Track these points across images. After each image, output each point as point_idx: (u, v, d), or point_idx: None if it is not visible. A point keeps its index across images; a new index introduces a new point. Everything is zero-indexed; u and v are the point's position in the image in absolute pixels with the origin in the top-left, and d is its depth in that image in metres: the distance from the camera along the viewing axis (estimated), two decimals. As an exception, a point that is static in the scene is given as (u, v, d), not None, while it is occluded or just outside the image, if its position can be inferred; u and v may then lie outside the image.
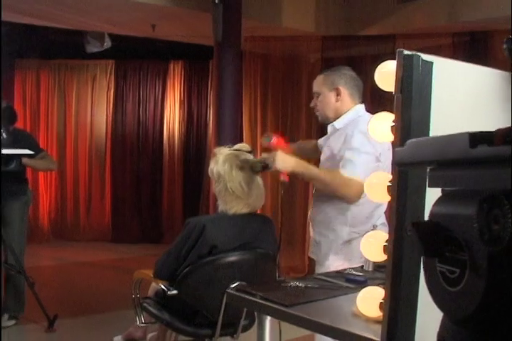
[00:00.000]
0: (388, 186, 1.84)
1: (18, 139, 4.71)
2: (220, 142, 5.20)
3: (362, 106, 3.13)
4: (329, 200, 3.03)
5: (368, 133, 2.81)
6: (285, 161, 2.90)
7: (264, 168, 3.01)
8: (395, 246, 1.73)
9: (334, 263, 3.02)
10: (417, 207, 1.73)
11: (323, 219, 3.08)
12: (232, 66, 5.62)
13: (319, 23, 6.38)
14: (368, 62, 5.97)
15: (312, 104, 3.21)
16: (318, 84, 3.16)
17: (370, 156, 2.88)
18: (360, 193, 2.74)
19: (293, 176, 2.99)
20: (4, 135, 4.58)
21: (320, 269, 3.11)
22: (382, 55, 5.76)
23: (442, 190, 1.00)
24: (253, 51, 6.83)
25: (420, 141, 1.03)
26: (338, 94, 3.09)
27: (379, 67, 1.95)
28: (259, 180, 3.16)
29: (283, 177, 2.98)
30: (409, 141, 1.04)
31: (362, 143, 2.91)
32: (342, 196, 2.90)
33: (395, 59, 1.82)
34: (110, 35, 7.34)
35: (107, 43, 7.40)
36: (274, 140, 3.15)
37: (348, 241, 3.01)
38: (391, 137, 1.80)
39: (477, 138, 0.86)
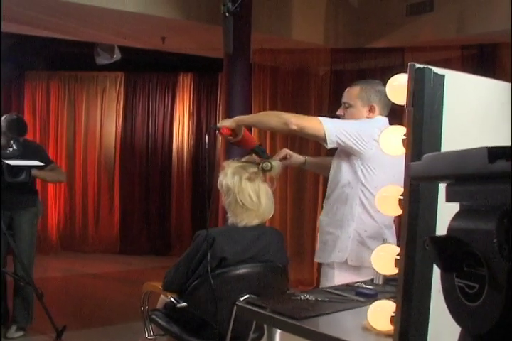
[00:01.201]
0: (400, 199, 1.84)
1: (28, 151, 4.73)
2: (228, 154, 5.20)
3: (383, 119, 3.10)
4: (339, 202, 3.05)
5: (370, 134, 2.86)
6: (224, 120, 3.13)
7: (273, 169, 3.11)
8: (407, 259, 1.73)
9: (337, 260, 3.02)
10: (428, 221, 1.73)
11: (332, 218, 3.10)
12: (242, 78, 5.63)
13: (328, 35, 6.40)
14: (377, 74, 5.97)
15: (339, 113, 3.17)
16: (353, 96, 3.12)
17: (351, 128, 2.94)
18: (300, 121, 2.92)
19: (238, 127, 3.06)
20: (14, 146, 4.60)
21: (325, 271, 3.11)
22: (391, 68, 5.81)
23: (460, 205, 1.00)
24: (262, 64, 6.85)
25: (437, 156, 1.03)
26: (371, 111, 3.08)
27: (390, 80, 1.95)
28: (268, 190, 3.17)
29: (224, 133, 3.07)
30: (425, 156, 1.04)
31: (358, 124, 2.97)
32: (283, 121, 2.93)
33: (404, 72, 1.83)
34: (120, 48, 7.38)
35: (117, 55, 7.43)
36: (223, 129, 3.10)
37: (354, 239, 3.00)
38: (402, 150, 1.80)
39: (495, 153, 0.86)
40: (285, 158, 3.35)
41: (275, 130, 3.18)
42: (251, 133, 3.24)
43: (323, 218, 3.18)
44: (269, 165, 3.09)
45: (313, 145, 6.32)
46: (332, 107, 5.55)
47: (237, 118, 3.11)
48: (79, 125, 8.86)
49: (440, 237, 0.95)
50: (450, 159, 0.96)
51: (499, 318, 0.83)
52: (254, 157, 3.26)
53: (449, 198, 1.00)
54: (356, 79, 3.35)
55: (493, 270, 0.85)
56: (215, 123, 8.48)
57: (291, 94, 6.81)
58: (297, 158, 3.43)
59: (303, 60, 6.80)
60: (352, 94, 3.13)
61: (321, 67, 6.83)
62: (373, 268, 2.15)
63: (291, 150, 3.50)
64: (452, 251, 0.90)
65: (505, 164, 0.84)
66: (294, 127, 2.90)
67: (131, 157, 8.85)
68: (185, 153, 8.77)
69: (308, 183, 6.72)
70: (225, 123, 3.07)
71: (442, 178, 1.01)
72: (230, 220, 3.15)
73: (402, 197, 1.81)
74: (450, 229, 0.97)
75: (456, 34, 5.58)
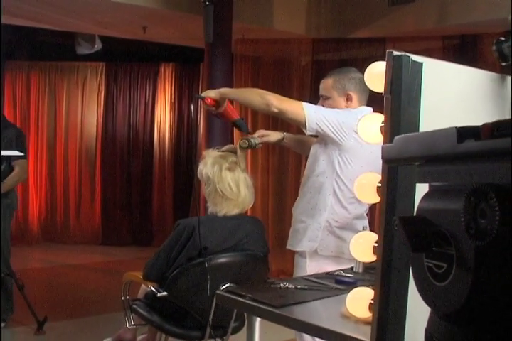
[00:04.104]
0: (378, 187, 1.84)
1: (7, 137, 4.64)
2: (210, 144, 5.20)
3: (368, 110, 3.07)
4: (313, 190, 3.06)
5: (350, 126, 2.84)
6: (209, 91, 3.09)
7: (250, 146, 3.11)
8: (385, 246, 1.73)
9: (307, 249, 3.03)
10: (406, 207, 1.73)
11: (305, 206, 3.10)
12: (223, 68, 5.62)
13: (310, 25, 6.40)
14: (359, 64, 5.91)
15: (319, 105, 3.14)
16: (328, 88, 3.11)
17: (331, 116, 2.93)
18: (282, 105, 2.89)
19: (222, 99, 3.05)
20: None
21: (297, 260, 3.11)
22: (373, 58, 5.77)
23: (430, 186, 1.00)
24: (244, 54, 6.84)
25: (408, 137, 1.03)
26: (349, 99, 3.08)
27: (369, 67, 1.95)
28: (248, 179, 3.17)
29: (208, 103, 3.04)
30: (396, 137, 1.04)
31: (341, 115, 2.95)
32: (265, 102, 2.91)
33: (385, 60, 1.83)
34: (101, 37, 7.34)
35: (98, 45, 7.40)
36: (207, 99, 3.07)
37: (325, 229, 3.01)
38: (380, 138, 1.80)
39: (464, 133, 0.87)
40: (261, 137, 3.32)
41: (256, 109, 3.17)
42: (234, 107, 3.23)
43: (296, 205, 3.19)
44: (246, 142, 3.09)
45: (295, 132, 6.31)
46: (314, 97, 5.53)
47: (222, 90, 3.09)
48: (60, 115, 8.81)
49: (409, 217, 0.96)
50: (420, 140, 0.96)
51: (467, 297, 0.83)
52: (234, 146, 3.26)
53: (420, 179, 1.00)
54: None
55: (460, 249, 0.86)
56: (197, 113, 8.46)
57: (273, 83, 6.79)
58: (275, 134, 3.38)
59: (285, 50, 6.79)
60: (326, 85, 3.12)
61: (302, 57, 6.83)
62: (352, 256, 2.16)
63: (273, 128, 3.49)
64: (421, 231, 0.90)
65: (474, 144, 0.84)
66: (275, 110, 2.89)
67: (112, 147, 8.82)
68: (166, 143, 8.76)
69: (289, 173, 6.73)
70: (210, 94, 3.05)
71: (413, 159, 1.01)
72: (210, 209, 3.15)
73: (380, 185, 1.81)
74: (419, 210, 0.97)
75: (437, 24, 5.60)
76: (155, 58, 8.63)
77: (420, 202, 0.99)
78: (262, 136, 3.29)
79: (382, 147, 1.12)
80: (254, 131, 3.34)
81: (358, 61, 6.10)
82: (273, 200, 6.82)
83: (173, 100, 8.72)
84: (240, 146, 3.10)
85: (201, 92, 3.21)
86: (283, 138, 3.38)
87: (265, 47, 6.83)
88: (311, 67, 6.61)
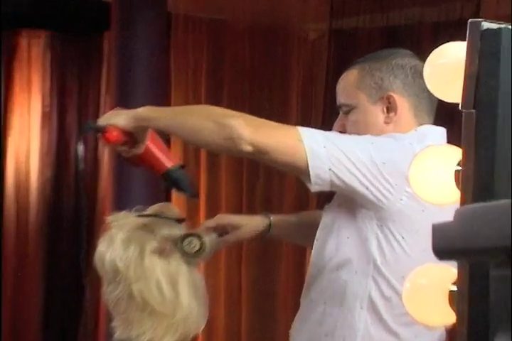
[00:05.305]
0: (451, 291, 1.88)
1: None
2: (121, 200, 5.24)
3: (435, 132, 3.11)
4: (329, 299, 3.08)
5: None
6: (114, 114, 3.11)
7: (203, 249, 3.06)
8: None
9: None
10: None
11: (314, 330, 3.13)
12: (149, 43, 5.70)
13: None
14: (425, 38, 6.02)
15: (336, 128, 3.15)
16: (349, 88, 3.14)
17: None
18: (260, 137, 2.82)
19: (140, 130, 3.04)
20: None
21: None
22: (452, 25, 5.86)
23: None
24: (192, 15, 6.89)
25: (479, 210, 1.06)
26: (392, 109, 3.06)
27: (432, 55, 2.00)
28: (195, 276, 3.19)
29: (112, 139, 3.05)
30: (459, 210, 1.07)
31: (380, 146, 2.96)
32: (228, 133, 2.82)
33: (464, 39, 1.88)
34: None
35: None
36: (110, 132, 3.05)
37: None
38: (455, 195, 1.84)
39: None
40: (225, 231, 3.34)
41: (210, 148, 3.18)
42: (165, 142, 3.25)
43: (297, 327, 3.22)
44: (197, 242, 3.06)
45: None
46: (331, 99, 5.62)
47: (140, 113, 3.05)
48: None
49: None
50: (502, 216, 0.99)
51: None
52: (169, 206, 3.31)
53: (498, 289, 1.04)
54: (379, 47, 3.37)
55: None
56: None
57: (252, 73, 6.85)
58: (251, 225, 3.40)
59: (277, 11, 6.86)
60: (348, 85, 3.15)
61: (310, 25, 6.91)
62: None
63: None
64: None
65: None
66: (248, 148, 2.81)
67: None
68: (31, 191, 8.74)
69: (283, 262, 6.77)
70: (116, 121, 3.02)
71: (486, 253, 1.03)
72: (119, 334, 3.16)
73: (454, 288, 1.85)
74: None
75: None
76: (8, 22, 8.66)
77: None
78: (225, 230, 3.33)
79: (433, 226, 1.15)
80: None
81: (420, 34, 6.16)
82: (250, 316, 6.84)
83: (47, 102, 8.72)
84: (183, 250, 3.08)
85: (99, 118, 3.21)
86: (269, 226, 3.40)
87: (239, 6, 6.88)
88: (328, 44, 6.66)
